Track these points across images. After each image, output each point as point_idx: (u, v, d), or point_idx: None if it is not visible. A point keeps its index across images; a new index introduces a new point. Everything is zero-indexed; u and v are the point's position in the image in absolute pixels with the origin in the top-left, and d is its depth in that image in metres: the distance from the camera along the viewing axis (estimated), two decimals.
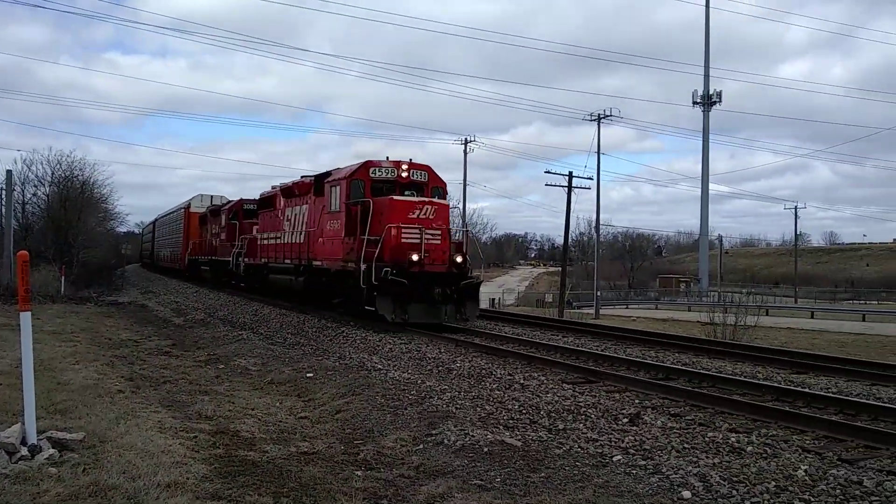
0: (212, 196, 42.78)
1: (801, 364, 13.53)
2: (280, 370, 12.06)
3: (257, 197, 30.64)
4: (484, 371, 11.78)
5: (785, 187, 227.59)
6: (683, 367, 12.55)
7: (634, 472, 6.46)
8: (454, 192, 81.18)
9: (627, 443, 7.46)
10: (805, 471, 6.45)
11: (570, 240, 52.15)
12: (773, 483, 6.12)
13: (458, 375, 11.48)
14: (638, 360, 13.37)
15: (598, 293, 52.09)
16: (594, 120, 51.27)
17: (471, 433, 7.54)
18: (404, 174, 18.91)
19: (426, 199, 18.07)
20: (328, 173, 20.56)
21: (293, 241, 22.86)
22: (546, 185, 46.53)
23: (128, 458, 6.31)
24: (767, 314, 32.40)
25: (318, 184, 20.96)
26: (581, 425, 8.19)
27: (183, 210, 44.43)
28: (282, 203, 24.82)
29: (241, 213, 31.68)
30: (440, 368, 12.13)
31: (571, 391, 10.18)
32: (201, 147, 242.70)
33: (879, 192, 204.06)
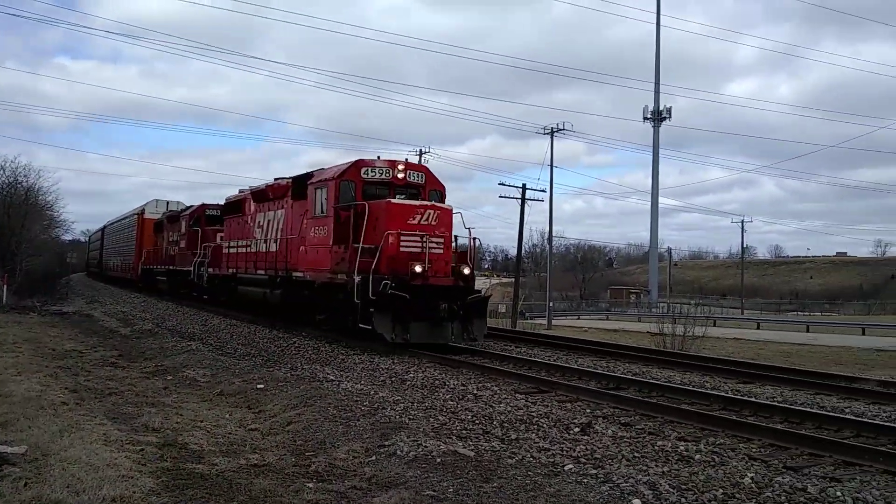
0: (168, 201, 40.63)
1: (748, 374, 13.81)
2: (230, 381, 11.88)
3: (221, 202, 28.79)
4: (437, 382, 11.77)
5: (732, 202, 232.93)
6: (634, 377, 12.71)
7: (585, 480, 6.51)
8: None
9: (579, 452, 7.51)
10: (751, 478, 6.57)
11: (523, 251, 52.49)
12: (721, 490, 6.22)
13: (411, 386, 11.44)
14: (589, 369, 13.50)
15: (551, 304, 52.46)
16: (548, 133, 51.75)
17: (424, 444, 7.52)
18: (400, 175, 17.01)
19: (428, 203, 16.22)
20: (309, 174, 18.67)
21: (267, 250, 20.91)
22: (500, 196, 46.95)
23: (72, 472, 6.16)
24: (715, 325, 32.99)
25: (297, 186, 18.97)
26: (533, 435, 8.23)
27: (136, 216, 41.94)
28: (252, 208, 22.90)
29: (204, 220, 29.66)
30: (393, 379, 12.08)
31: (524, 401, 10.22)
32: (152, 155, 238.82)
33: (823, 207, 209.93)
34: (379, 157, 17.22)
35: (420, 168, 17.88)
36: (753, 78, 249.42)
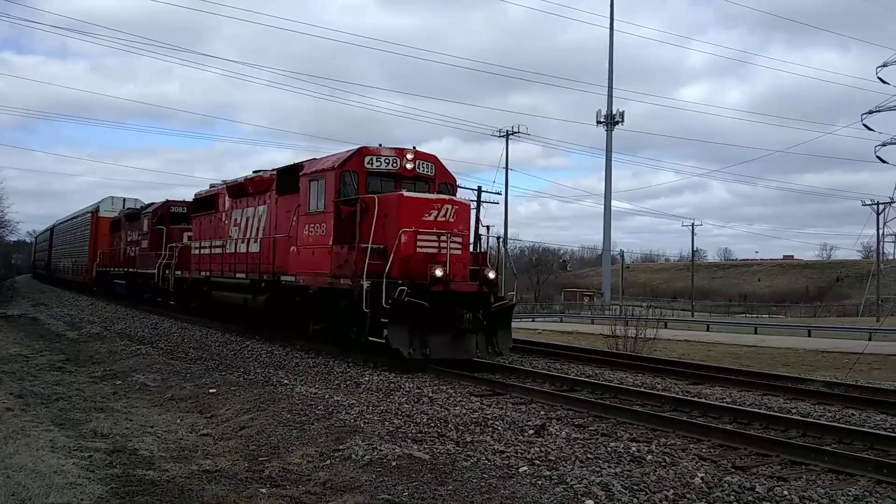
0: (124, 199, 38.19)
1: (698, 375, 14.06)
2: (181, 386, 11.70)
3: (180, 199, 27.76)
4: (393, 385, 11.75)
5: (683, 205, 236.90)
6: (587, 379, 12.85)
7: (540, 482, 6.56)
8: None
9: (533, 454, 7.56)
10: (702, 478, 6.69)
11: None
12: (672, 490, 6.32)
13: (366, 389, 11.41)
14: (543, 371, 13.62)
15: None
16: (503, 136, 52.17)
17: (379, 447, 7.50)
18: (409, 165, 15.09)
19: (445, 197, 14.39)
20: (298, 165, 16.71)
21: (247, 251, 18.96)
22: None
23: (17, 480, 6.01)
24: (666, 327, 33.50)
25: (284, 179, 17.17)
26: (488, 437, 8.26)
27: (89, 214, 39.33)
28: (227, 204, 20.87)
29: (169, 218, 27.62)
30: (348, 382, 12.03)
31: (479, 403, 10.27)
32: (101, 153, 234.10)
33: (770, 210, 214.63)
34: (380, 146, 15.28)
35: (430, 158, 15.81)
36: (705, 83, 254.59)
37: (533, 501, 6.04)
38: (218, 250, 20.99)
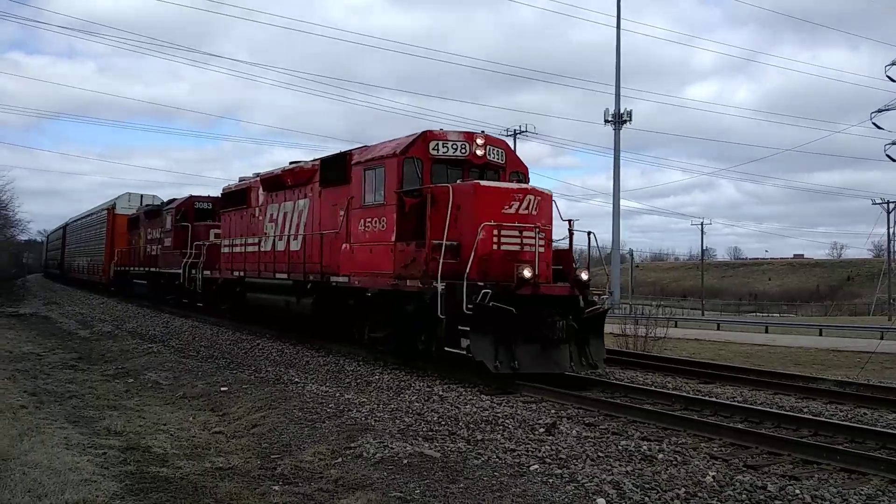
0: (142, 195, 37.02)
1: (709, 374, 14.03)
2: (193, 384, 11.76)
3: (208, 194, 26.64)
4: (403, 383, 11.78)
5: (692, 204, 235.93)
6: (597, 378, 12.82)
7: (551, 480, 6.57)
8: None
9: (544, 452, 7.58)
10: (713, 477, 6.69)
11: None
12: (683, 489, 6.33)
13: (377, 388, 11.44)
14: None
15: None
16: (511, 135, 52.05)
17: (390, 445, 7.53)
18: (479, 151, 13.51)
19: (527, 187, 12.83)
20: (347, 154, 15.17)
21: (285, 249, 17.65)
22: None
23: (33, 477, 6.07)
24: (676, 326, 33.38)
25: (329, 169, 15.70)
26: (499, 436, 8.28)
27: (105, 212, 38.00)
28: (261, 198, 19.49)
29: (193, 214, 26.38)
30: (359, 381, 12.06)
31: (489, 402, 10.28)
32: (109, 153, 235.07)
33: (780, 209, 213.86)
34: (441, 131, 13.69)
35: (500, 143, 14.32)
36: (713, 82, 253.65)
37: (544, 500, 6.06)
38: (252, 248, 19.61)
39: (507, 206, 12.11)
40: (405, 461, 7.08)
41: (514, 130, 52.09)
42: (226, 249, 21.70)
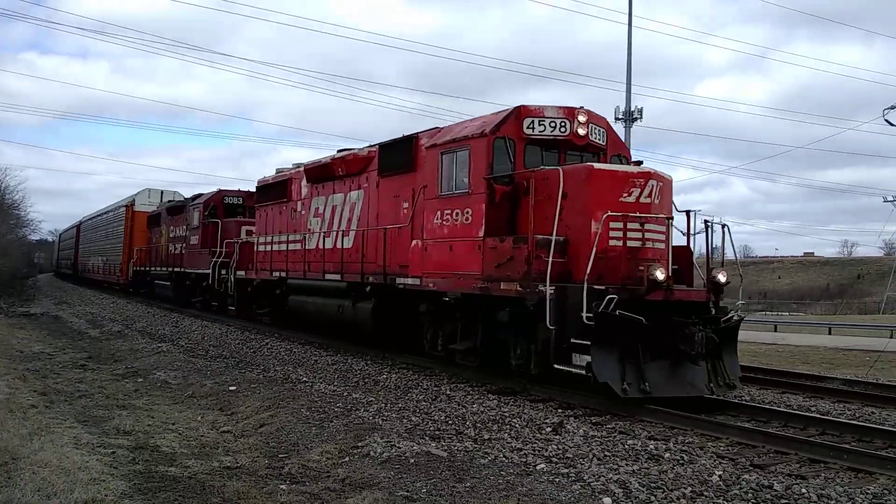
0: (162, 191, 35.77)
1: None
2: (201, 383, 11.82)
3: (238, 188, 25.44)
4: (410, 383, 11.81)
5: (703, 202, 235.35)
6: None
7: (557, 480, 6.59)
8: None
9: (551, 451, 7.59)
10: (719, 476, 6.69)
11: None
12: (690, 488, 6.33)
13: (384, 387, 11.47)
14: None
15: None
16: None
17: (397, 445, 7.55)
18: (582, 130, 11.64)
19: (647, 169, 10.91)
20: (413, 137, 13.53)
21: (335, 247, 15.91)
22: None
23: (42, 476, 6.12)
24: None
25: (391, 155, 14.07)
26: (506, 435, 8.30)
27: (124, 209, 36.32)
28: (303, 191, 17.89)
29: (223, 209, 24.95)
30: (366, 380, 12.10)
31: (496, 402, 10.29)
32: (121, 153, 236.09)
33: (791, 207, 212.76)
34: (537, 106, 11.76)
35: (601, 121, 12.35)
36: (725, 79, 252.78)
37: (550, 499, 6.08)
38: (296, 246, 17.84)
39: (625, 194, 10.27)
40: (412, 460, 7.11)
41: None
42: (262, 248, 20.02)
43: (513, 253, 10.57)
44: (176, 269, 27.66)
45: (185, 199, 29.82)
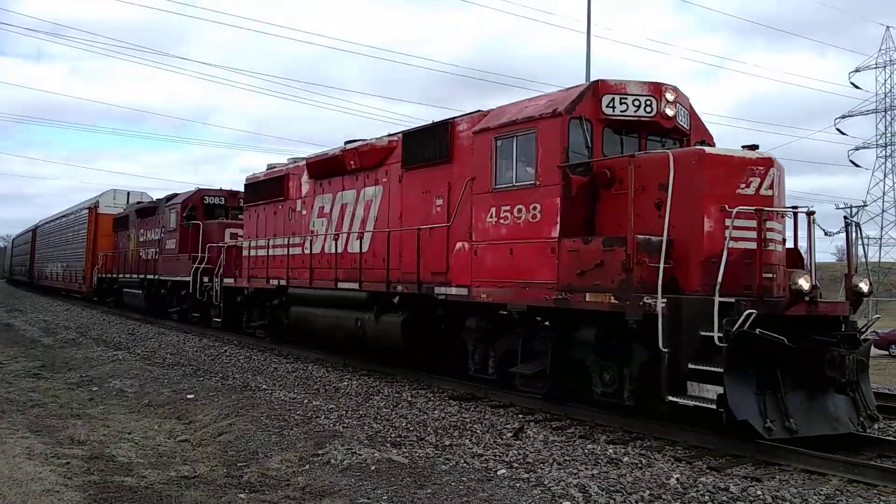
0: (128, 192, 33.75)
1: None
2: (158, 392, 11.65)
3: (220, 187, 23.81)
4: (372, 389, 11.77)
5: None
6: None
7: (518, 485, 6.62)
8: None
9: (511, 457, 7.63)
10: (677, 479, 6.78)
11: None
12: (648, 492, 6.41)
13: (345, 394, 11.42)
14: None
15: None
16: None
17: (358, 452, 7.53)
18: (670, 111, 9.99)
19: (766, 155, 9.03)
20: (447, 123, 11.91)
21: (345, 250, 14.09)
22: None
23: None
24: None
25: (420, 144, 12.39)
26: (467, 441, 8.32)
27: (87, 211, 34.08)
28: (304, 188, 16.00)
29: (202, 211, 23.17)
30: (327, 387, 12.03)
31: (458, 407, 10.30)
32: (76, 157, 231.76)
33: None
34: (617, 81, 10.01)
35: (686, 101, 10.60)
36: (684, 89, 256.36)
37: None
38: (296, 251, 15.90)
39: (743, 185, 8.65)
40: (373, 467, 7.09)
41: None
42: (253, 252, 17.94)
43: (603, 257, 8.80)
44: (149, 277, 25.37)
45: (157, 200, 27.97)
